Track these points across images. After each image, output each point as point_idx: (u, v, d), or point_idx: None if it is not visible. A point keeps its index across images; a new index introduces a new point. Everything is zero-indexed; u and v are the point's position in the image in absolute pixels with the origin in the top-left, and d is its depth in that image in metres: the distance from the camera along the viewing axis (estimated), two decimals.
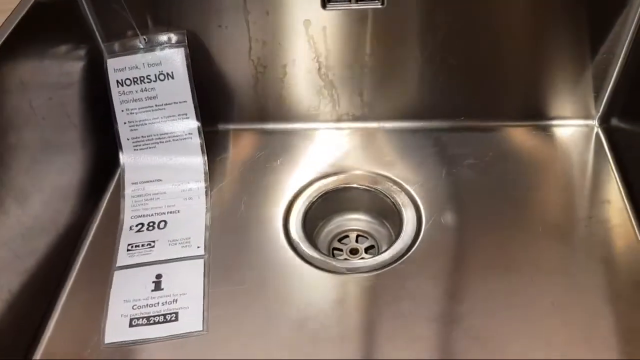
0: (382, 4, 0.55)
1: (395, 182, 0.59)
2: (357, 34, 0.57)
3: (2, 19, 0.49)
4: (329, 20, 0.56)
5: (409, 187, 0.58)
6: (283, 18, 0.57)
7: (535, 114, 0.62)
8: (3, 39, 0.47)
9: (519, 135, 0.62)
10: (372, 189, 0.59)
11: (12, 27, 0.48)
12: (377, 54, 0.59)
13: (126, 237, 0.56)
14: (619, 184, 0.57)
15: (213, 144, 0.63)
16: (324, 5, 0.55)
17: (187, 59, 0.58)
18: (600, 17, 0.54)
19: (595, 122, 0.62)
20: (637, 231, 0.53)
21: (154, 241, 0.56)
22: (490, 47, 0.58)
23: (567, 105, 0.61)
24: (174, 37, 0.59)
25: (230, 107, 0.64)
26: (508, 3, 0.55)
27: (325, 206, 0.59)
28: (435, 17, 0.56)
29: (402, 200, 0.57)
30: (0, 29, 0.48)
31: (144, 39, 0.59)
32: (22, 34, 0.49)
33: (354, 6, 0.55)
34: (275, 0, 0.56)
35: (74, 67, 0.57)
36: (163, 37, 0.59)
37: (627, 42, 0.55)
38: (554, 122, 0.62)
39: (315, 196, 0.59)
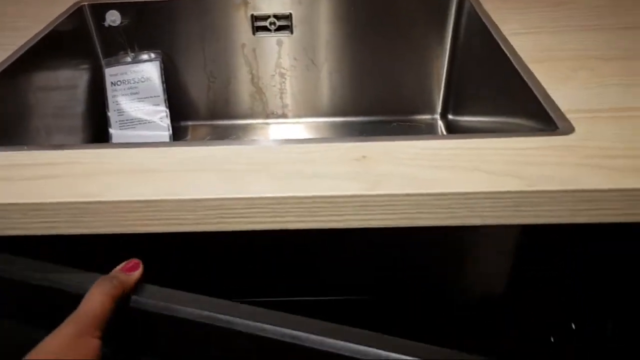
0: (292, 33, 0.85)
1: None
2: (277, 53, 0.86)
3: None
4: (257, 44, 0.86)
5: None
6: (228, 42, 0.86)
7: (405, 110, 0.90)
8: (28, 48, 0.71)
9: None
10: None
11: (34, 42, 0.73)
12: (290, 67, 0.87)
13: None
14: None
15: (176, 135, 0.88)
16: (253, 33, 0.85)
17: (160, 69, 0.86)
18: (426, 44, 0.85)
19: (438, 117, 0.91)
20: None
21: None
22: (367, 63, 0.87)
23: (425, 105, 0.90)
24: (152, 55, 0.86)
25: (190, 108, 0.91)
26: (379, 32, 0.85)
27: None
28: (328, 43, 0.85)
29: None
30: (29, 44, 0.72)
31: (132, 55, 0.86)
32: (46, 49, 0.73)
33: (273, 35, 0.85)
34: (223, 30, 0.85)
35: (83, 74, 0.84)
36: (145, 56, 0.87)
37: (446, 56, 0.85)
38: (417, 116, 0.91)
39: None
